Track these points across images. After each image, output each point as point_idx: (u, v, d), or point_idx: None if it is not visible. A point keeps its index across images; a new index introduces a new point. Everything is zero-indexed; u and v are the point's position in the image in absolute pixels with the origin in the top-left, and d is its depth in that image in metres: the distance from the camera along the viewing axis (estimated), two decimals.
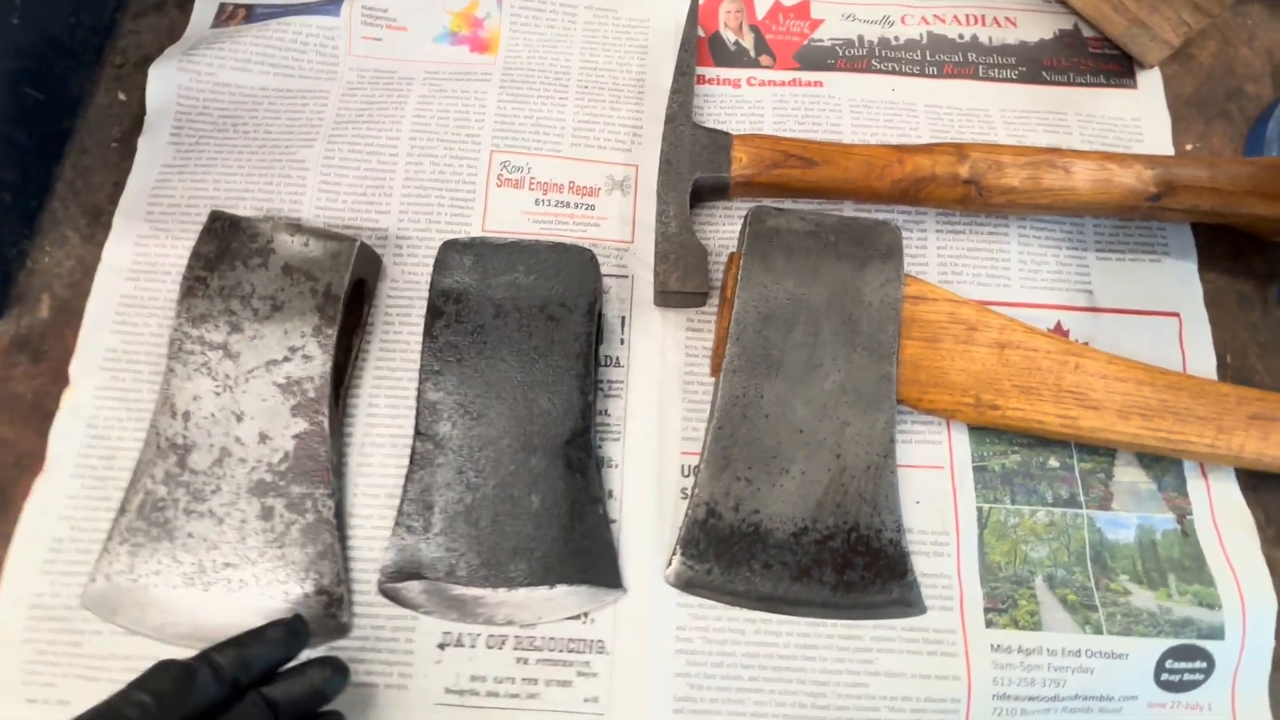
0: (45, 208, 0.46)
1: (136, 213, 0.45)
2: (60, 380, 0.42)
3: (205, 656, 0.31)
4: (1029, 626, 0.38)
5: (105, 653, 0.37)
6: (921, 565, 0.39)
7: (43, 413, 0.42)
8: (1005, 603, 0.39)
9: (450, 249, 0.41)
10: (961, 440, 0.42)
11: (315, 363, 0.39)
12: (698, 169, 0.43)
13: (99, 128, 0.48)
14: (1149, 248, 0.46)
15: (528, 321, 0.40)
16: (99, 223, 0.46)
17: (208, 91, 0.48)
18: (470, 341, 0.39)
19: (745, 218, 0.42)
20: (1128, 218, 0.45)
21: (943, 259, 0.45)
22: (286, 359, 0.39)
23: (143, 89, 0.48)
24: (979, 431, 0.42)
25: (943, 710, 0.37)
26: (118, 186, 0.46)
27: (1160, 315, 0.45)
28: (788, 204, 0.45)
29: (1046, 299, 0.44)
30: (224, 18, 0.50)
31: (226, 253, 0.40)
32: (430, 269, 0.44)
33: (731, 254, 0.42)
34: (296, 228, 0.41)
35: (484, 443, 0.39)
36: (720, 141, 0.44)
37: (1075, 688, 0.37)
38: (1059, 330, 0.44)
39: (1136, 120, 0.49)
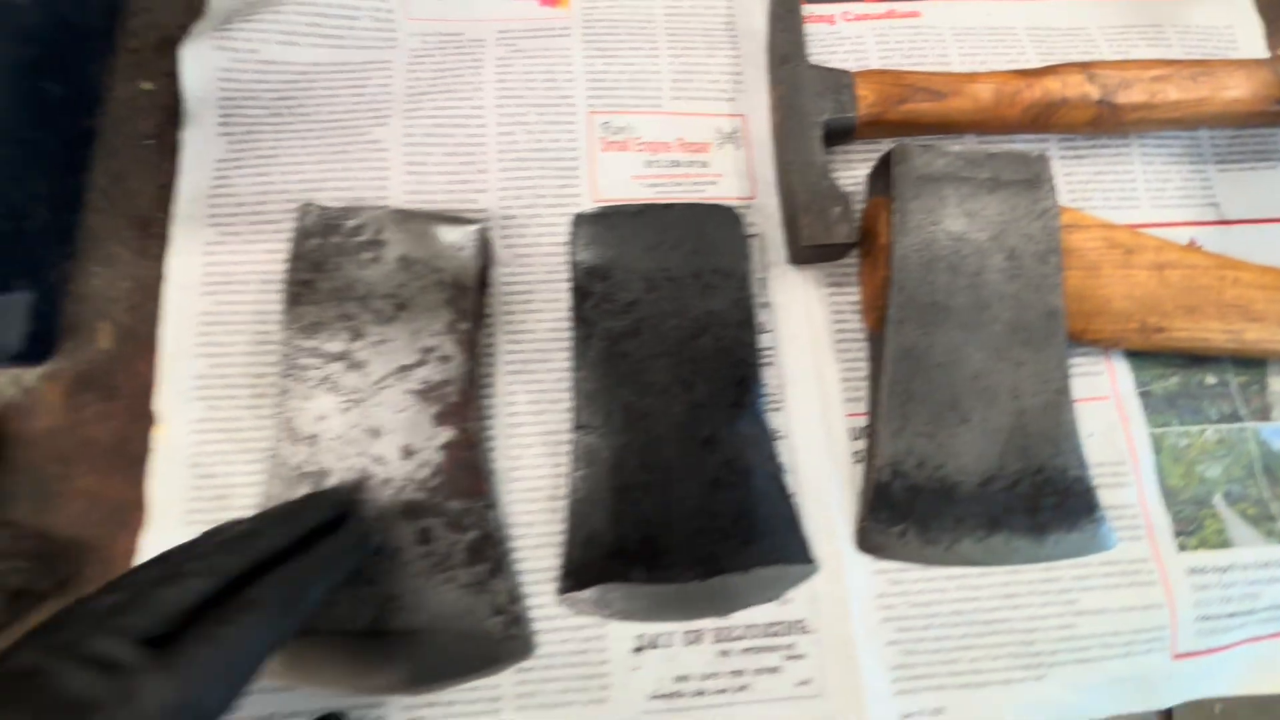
0: (80, 223, 0.39)
1: (197, 218, 0.39)
2: (141, 419, 0.37)
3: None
4: (1218, 545, 0.38)
5: (264, 715, 0.33)
6: (1105, 498, 0.38)
7: (128, 458, 0.36)
8: (1191, 525, 0.39)
9: (584, 222, 0.37)
10: (1121, 369, 0.41)
11: (454, 363, 0.35)
12: (824, 111, 0.40)
13: (126, 124, 0.41)
14: (1265, 155, 0.45)
15: (682, 292, 0.36)
16: (149, 234, 0.40)
17: (252, 72, 0.41)
18: (624, 321, 0.36)
19: (883, 159, 0.39)
20: (1250, 125, 0.44)
21: (1071, 186, 0.44)
22: (420, 362, 0.35)
23: (168, 75, 0.42)
24: (1136, 358, 0.41)
25: (1150, 639, 0.37)
26: (163, 190, 0.40)
27: None
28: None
29: (1176, 216, 0.44)
30: None
31: (331, 250, 0.35)
32: (544, 247, 0.40)
33: (873, 199, 0.40)
34: (406, 214, 0.36)
35: (651, 429, 0.35)
36: (842, 80, 0.41)
37: (1270, 598, 0.37)
38: (1193, 247, 0.44)
39: (1229, 27, 0.48)
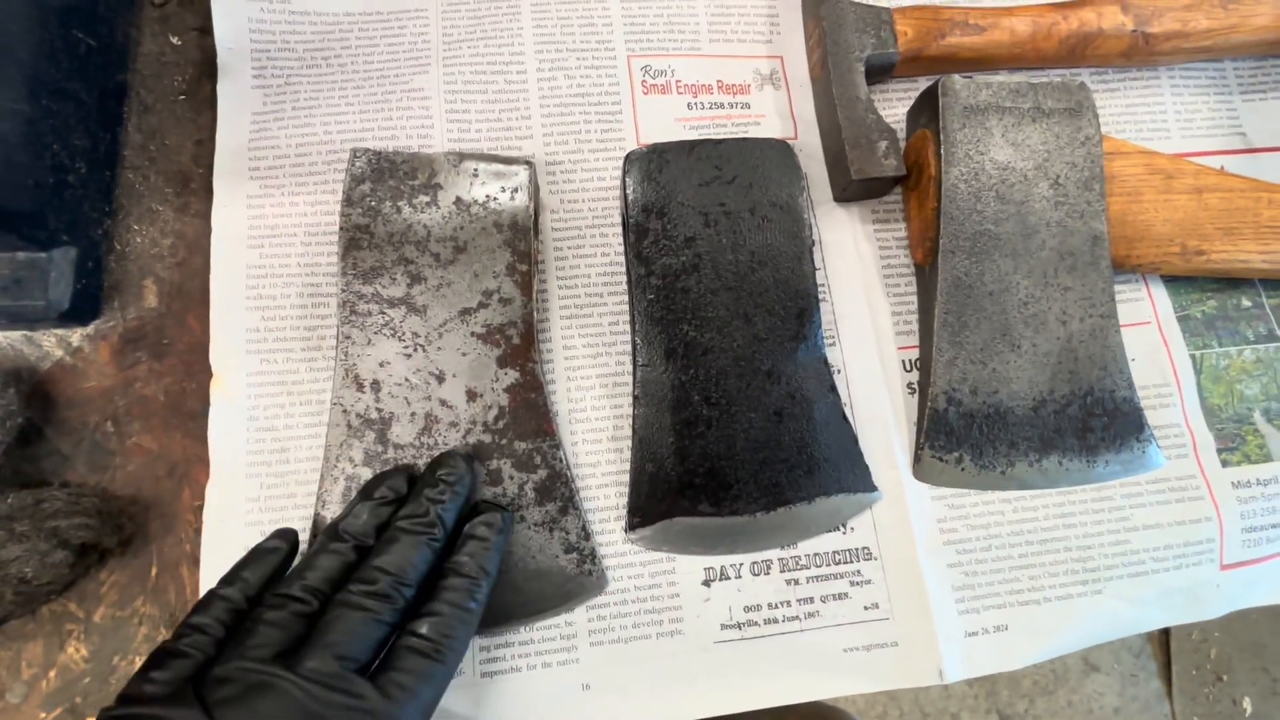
0: (117, 180, 0.39)
1: (238, 171, 0.38)
2: (195, 374, 0.36)
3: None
4: (1260, 459, 0.39)
5: None
6: (1150, 419, 0.39)
7: (184, 413, 0.36)
8: (1234, 441, 0.40)
9: (636, 160, 0.36)
10: (1160, 294, 0.42)
11: (515, 304, 0.35)
12: (865, 48, 0.40)
13: (157, 80, 0.40)
14: None
15: (739, 227, 0.36)
16: (189, 190, 0.39)
17: (284, 23, 0.41)
18: (682, 258, 0.36)
19: (925, 93, 0.40)
20: (1275, 54, 0.45)
21: (1104, 119, 0.44)
22: (482, 305, 0.35)
23: (196, 30, 0.41)
24: (1174, 284, 0.42)
25: (1200, 552, 0.38)
26: (200, 145, 0.39)
27: None
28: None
29: (1206, 146, 0.44)
30: None
31: (385, 194, 0.35)
32: (590, 192, 0.40)
33: (918, 132, 0.40)
34: (459, 155, 0.36)
35: (713, 364, 0.36)
36: (882, 17, 0.41)
37: None
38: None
39: None
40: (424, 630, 0.27)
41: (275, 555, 0.30)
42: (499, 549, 0.31)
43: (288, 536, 0.31)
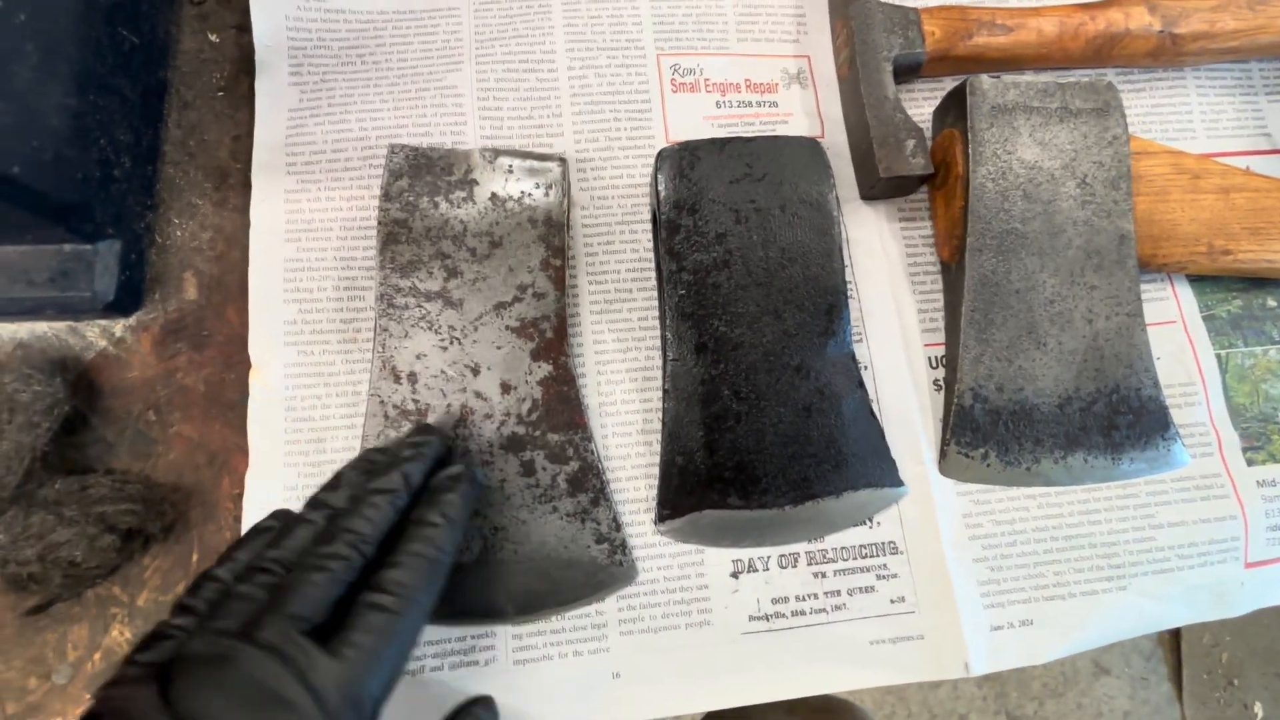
0: (159, 175, 0.39)
1: (275, 166, 0.39)
2: (234, 365, 0.37)
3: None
4: None
5: None
6: (1175, 417, 0.39)
7: (223, 403, 0.37)
8: (1259, 440, 0.40)
9: (668, 157, 0.37)
10: (1185, 293, 0.42)
11: (549, 299, 0.36)
12: (893, 47, 0.41)
13: (196, 77, 0.41)
14: None
15: (769, 223, 0.37)
16: (228, 185, 0.40)
17: (320, 21, 0.41)
18: (714, 254, 0.36)
19: (952, 92, 0.40)
20: None
21: (1131, 119, 0.44)
22: (517, 299, 0.35)
23: (234, 28, 0.42)
24: (1199, 283, 0.42)
25: (1225, 549, 0.38)
26: (238, 141, 0.40)
27: None
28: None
29: (1232, 146, 0.45)
30: None
31: (423, 189, 0.36)
32: (620, 189, 0.41)
33: (945, 131, 0.41)
34: (495, 152, 0.36)
35: (743, 359, 0.36)
36: (910, 17, 0.41)
37: None
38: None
39: None
40: (381, 583, 0.27)
41: (269, 534, 0.29)
42: (465, 497, 0.30)
43: (281, 516, 0.30)
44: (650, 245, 0.40)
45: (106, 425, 0.36)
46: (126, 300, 0.37)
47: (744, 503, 0.35)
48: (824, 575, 0.36)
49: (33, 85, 0.31)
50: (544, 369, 0.35)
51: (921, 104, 0.44)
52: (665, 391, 0.36)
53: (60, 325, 0.37)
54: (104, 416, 0.36)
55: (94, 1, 0.35)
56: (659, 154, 0.37)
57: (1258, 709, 1.24)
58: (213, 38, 0.42)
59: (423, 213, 0.35)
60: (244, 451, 0.36)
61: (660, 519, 0.36)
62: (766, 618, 0.36)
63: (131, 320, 0.37)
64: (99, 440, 0.36)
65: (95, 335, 0.37)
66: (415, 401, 0.35)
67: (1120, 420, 0.39)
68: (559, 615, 0.35)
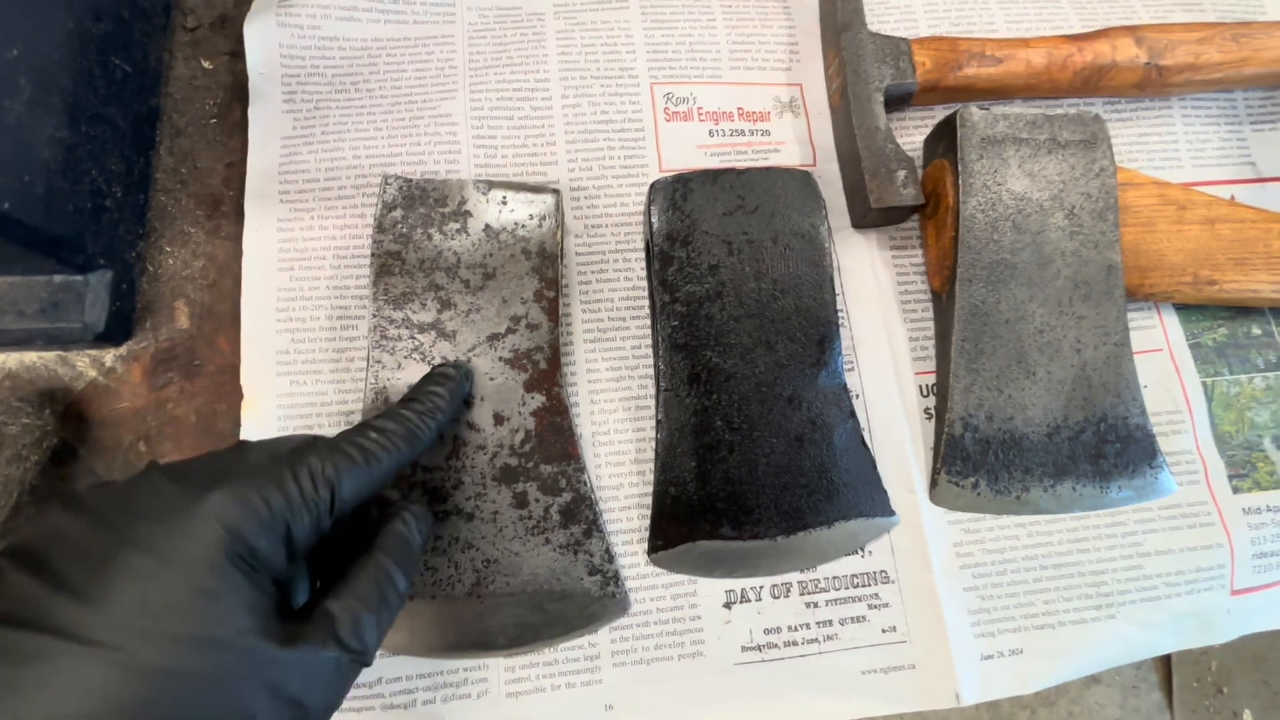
0: (150, 203, 0.39)
1: (268, 195, 0.39)
2: (225, 396, 0.37)
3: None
4: (1271, 486, 0.40)
5: (371, 679, 0.34)
6: (1162, 445, 0.40)
7: (215, 434, 0.37)
8: (1245, 468, 0.40)
9: (661, 189, 0.37)
10: (1172, 321, 0.42)
11: (542, 331, 0.36)
12: (884, 78, 0.41)
13: (188, 104, 0.41)
14: None
15: (761, 255, 0.37)
16: (220, 213, 0.40)
17: (314, 49, 0.41)
18: (706, 285, 0.37)
19: (942, 123, 0.40)
20: None
21: (1117, 148, 0.45)
22: (510, 330, 0.36)
23: (227, 54, 0.42)
24: (1185, 312, 0.43)
25: (1211, 577, 0.38)
26: (231, 169, 0.40)
27: None
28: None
29: (1217, 175, 0.45)
30: None
31: (416, 221, 0.36)
32: (614, 217, 0.41)
33: (936, 161, 0.41)
34: (488, 184, 0.36)
35: (735, 389, 0.36)
36: (901, 47, 0.42)
37: None
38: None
39: None
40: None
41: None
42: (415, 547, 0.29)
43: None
44: (643, 274, 0.40)
45: (96, 457, 0.36)
46: (117, 330, 0.36)
47: (736, 533, 0.36)
48: (816, 605, 0.37)
49: (25, 120, 0.31)
50: (537, 400, 0.35)
51: (912, 132, 0.44)
52: (658, 422, 0.36)
53: (50, 355, 0.37)
54: (94, 448, 0.36)
55: (87, 32, 0.35)
56: (652, 186, 0.37)
57: (1247, 716, 1.24)
58: (205, 64, 0.42)
59: (416, 244, 0.35)
60: None
61: (653, 550, 0.36)
62: (759, 648, 0.36)
63: (122, 350, 0.37)
64: (89, 472, 0.35)
65: (85, 365, 0.37)
66: None
67: (1108, 449, 0.39)
68: (552, 647, 0.35)
